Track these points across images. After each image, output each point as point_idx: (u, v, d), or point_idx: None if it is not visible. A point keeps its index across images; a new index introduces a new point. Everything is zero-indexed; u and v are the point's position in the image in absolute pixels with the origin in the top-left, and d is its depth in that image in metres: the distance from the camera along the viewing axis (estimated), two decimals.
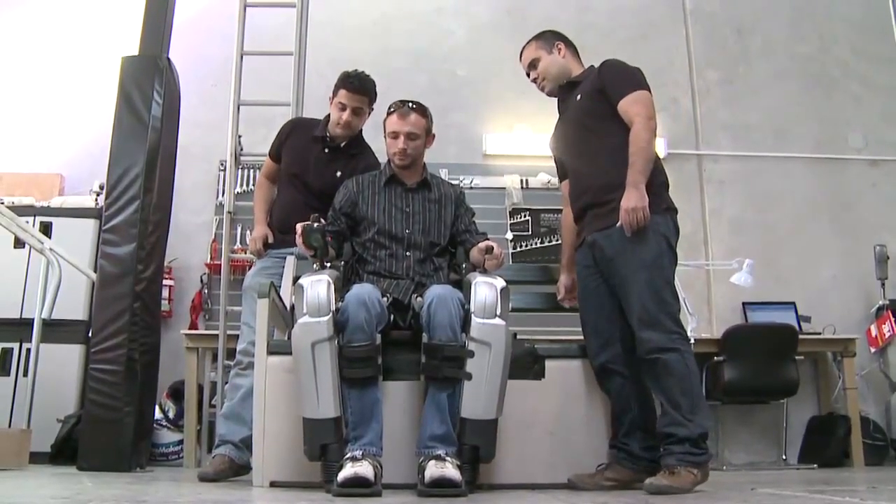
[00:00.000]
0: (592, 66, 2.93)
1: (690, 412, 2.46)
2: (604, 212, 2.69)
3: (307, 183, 3.25)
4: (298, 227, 2.61)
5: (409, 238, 2.84)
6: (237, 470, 2.97)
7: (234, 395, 3.09)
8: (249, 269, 3.57)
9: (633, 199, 2.53)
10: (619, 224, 2.56)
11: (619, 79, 2.76)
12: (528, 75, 3.01)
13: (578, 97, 2.85)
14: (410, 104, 2.90)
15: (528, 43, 3.01)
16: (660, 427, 2.52)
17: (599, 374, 2.73)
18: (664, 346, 2.50)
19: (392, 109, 2.90)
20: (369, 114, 3.32)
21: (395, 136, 2.86)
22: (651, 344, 2.52)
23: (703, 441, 2.47)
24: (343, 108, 3.21)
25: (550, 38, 2.99)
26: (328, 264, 2.66)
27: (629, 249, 2.59)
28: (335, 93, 3.24)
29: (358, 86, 3.21)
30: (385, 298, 2.58)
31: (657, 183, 2.65)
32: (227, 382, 3.46)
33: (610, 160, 2.68)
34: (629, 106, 2.68)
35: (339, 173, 3.18)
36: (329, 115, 3.30)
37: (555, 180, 5.33)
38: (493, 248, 2.62)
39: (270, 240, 3.30)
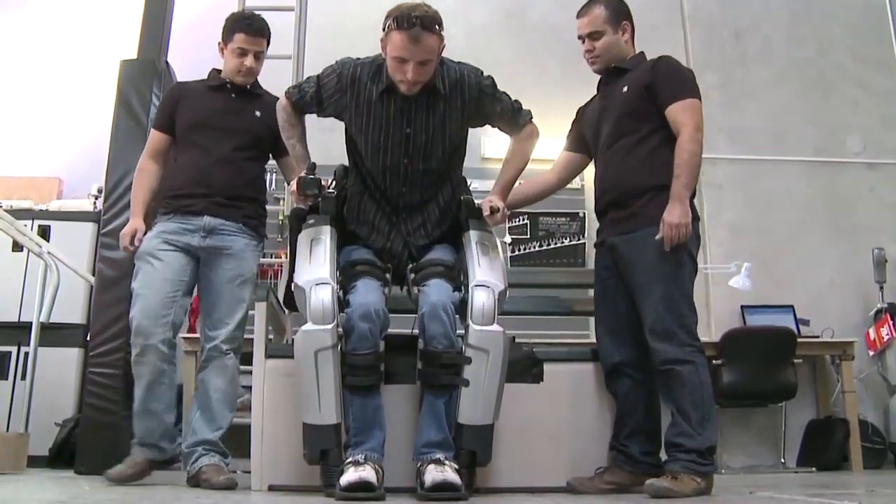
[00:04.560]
0: (643, 52, 2.80)
1: (700, 424, 2.44)
2: (625, 215, 2.65)
3: (218, 134, 2.93)
4: (293, 183, 2.52)
5: (408, 170, 2.57)
6: (156, 466, 2.82)
7: (139, 385, 2.77)
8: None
9: (678, 215, 2.47)
10: (658, 237, 2.49)
11: (672, 81, 2.64)
12: (582, 40, 2.80)
13: (625, 89, 2.70)
14: (420, 20, 2.33)
15: (593, 3, 2.78)
16: (668, 436, 2.50)
17: (610, 375, 2.70)
18: (678, 357, 2.47)
19: (396, 25, 2.36)
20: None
21: (402, 61, 2.38)
22: (665, 355, 2.49)
23: (710, 454, 2.45)
24: (244, 53, 2.94)
25: (619, 12, 2.77)
26: (321, 199, 2.56)
27: (649, 258, 2.54)
28: (230, 38, 2.95)
29: (259, 27, 2.97)
30: (384, 288, 2.52)
31: None
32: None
33: (640, 163, 2.63)
34: (678, 113, 2.58)
35: (258, 112, 2.99)
36: (213, 70, 3.10)
37: None
38: (498, 208, 2.52)
39: (140, 236, 2.87)
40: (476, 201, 2.68)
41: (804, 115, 5.66)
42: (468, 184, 2.85)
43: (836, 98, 5.72)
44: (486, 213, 2.53)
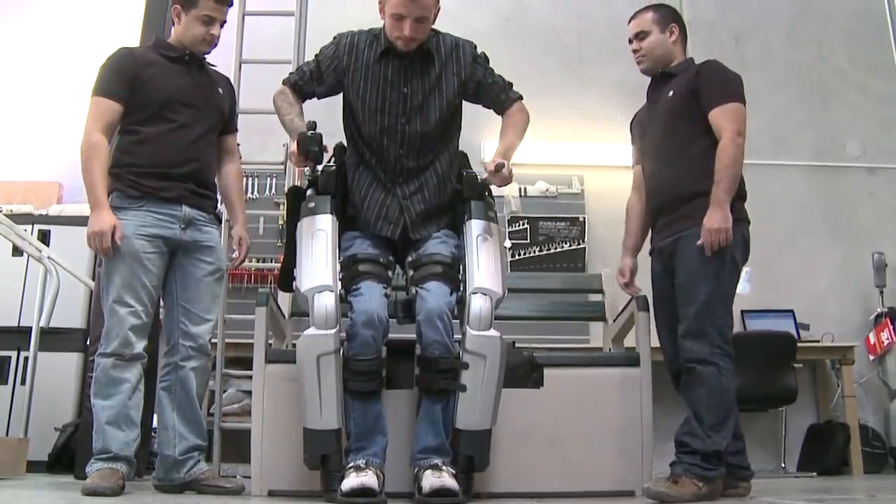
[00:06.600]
0: (692, 58, 2.86)
1: (711, 428, 2.46)
2: (673, 219, 2.69)
3: (194, 111, 2.77)
4: (293, 143, 2.45)
5: (405, 131, 2.59)
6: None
7: (116, 390, 2.56)
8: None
9: (717, 220, 2.50)
10: (699, 242, 2.52)
11: (715, 85, 2.68)
12: (630, 41, 2.89)
13: (671, 93, 2.75)
14: None
15: (644, 9, 2.89)
16: (677, 435, 2.52)
17: (676, 380, 2.72)
18: (703, 357, 2.51)
19: None
20: None
21: (400, 18, 2.48)
22: (691, 354, 2.53)
23: (716, 458, 2.46)
24: (211, 21, 2.75)
25: (668, 16, 2.88)
26: (319, 169, 2.55)
27: (691, 258, 2.58)
28: (194, 4, 2.73)
29: None
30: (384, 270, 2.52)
31: None
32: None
33: (688, 168, 2.66)
34: (719, 117, 2.62)
35: (220, 89, 2.91)
36: (157, 38, 2.97)
37: (552, 188, 5.36)
38: (502, 165, 2.49)
39: (119, 235, 2.57)
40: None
41: (804, 119, 5.67)
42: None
43: (835, 102, 5.72)
44: (490, 169, 2.50)
